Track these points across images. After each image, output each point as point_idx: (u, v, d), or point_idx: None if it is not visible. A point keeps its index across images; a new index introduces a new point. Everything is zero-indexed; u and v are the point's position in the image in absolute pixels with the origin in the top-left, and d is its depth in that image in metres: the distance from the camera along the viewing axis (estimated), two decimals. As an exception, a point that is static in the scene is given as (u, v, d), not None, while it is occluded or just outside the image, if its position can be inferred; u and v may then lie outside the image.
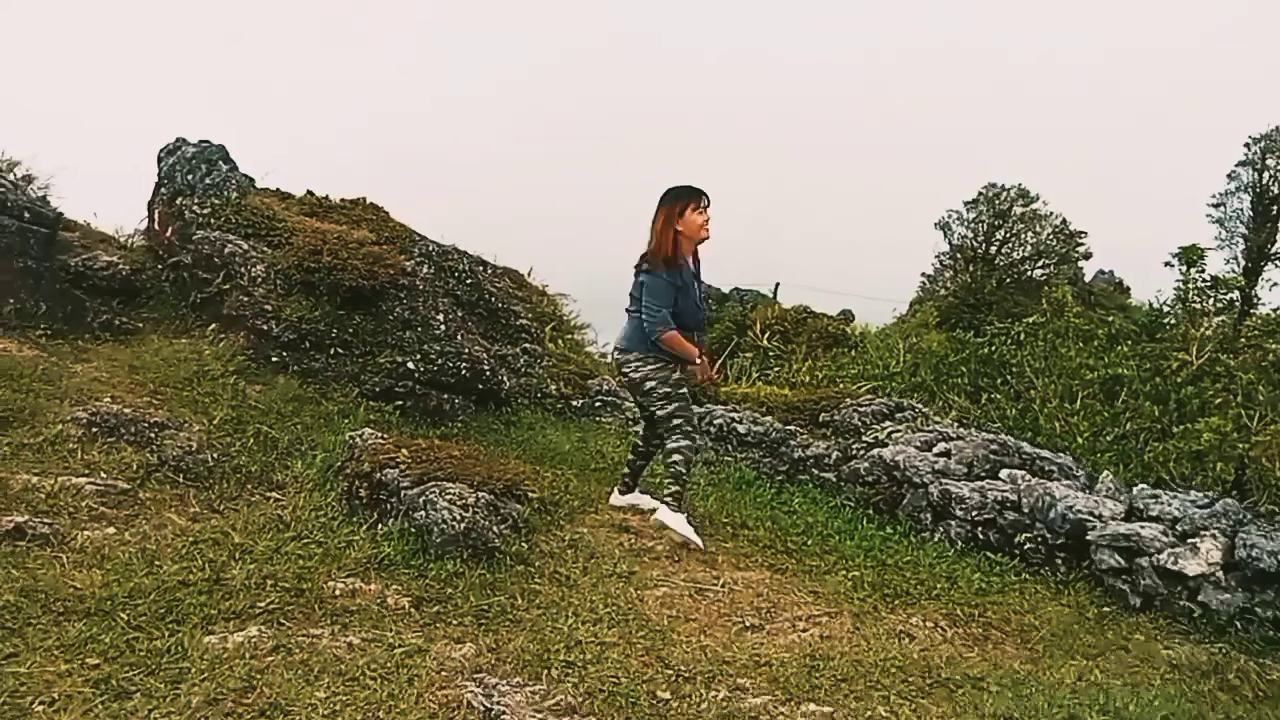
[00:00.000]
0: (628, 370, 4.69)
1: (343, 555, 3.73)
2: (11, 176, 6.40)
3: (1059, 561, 4.46)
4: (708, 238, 4.64)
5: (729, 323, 15.72)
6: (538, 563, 3.98)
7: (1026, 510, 4.69)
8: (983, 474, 5.25)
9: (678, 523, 4.47)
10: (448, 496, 4.00)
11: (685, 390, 4.64)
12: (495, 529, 3.98)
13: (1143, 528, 4.17)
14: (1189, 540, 4.03)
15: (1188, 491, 4.58)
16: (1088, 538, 4.32)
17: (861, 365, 12.23)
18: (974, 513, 4.83)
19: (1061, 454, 5.66)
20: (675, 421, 4.57)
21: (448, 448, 4.69)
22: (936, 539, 4.90)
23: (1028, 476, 4.95)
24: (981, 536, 4.78)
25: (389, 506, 4.13)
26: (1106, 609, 4.09)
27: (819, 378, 11.73)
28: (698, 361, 4.61)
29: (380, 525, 4.04)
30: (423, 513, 3.94)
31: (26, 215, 5.64)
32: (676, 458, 4.55)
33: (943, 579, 4.30)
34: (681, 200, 4.53)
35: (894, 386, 10.70)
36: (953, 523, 4.89)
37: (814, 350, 13.88)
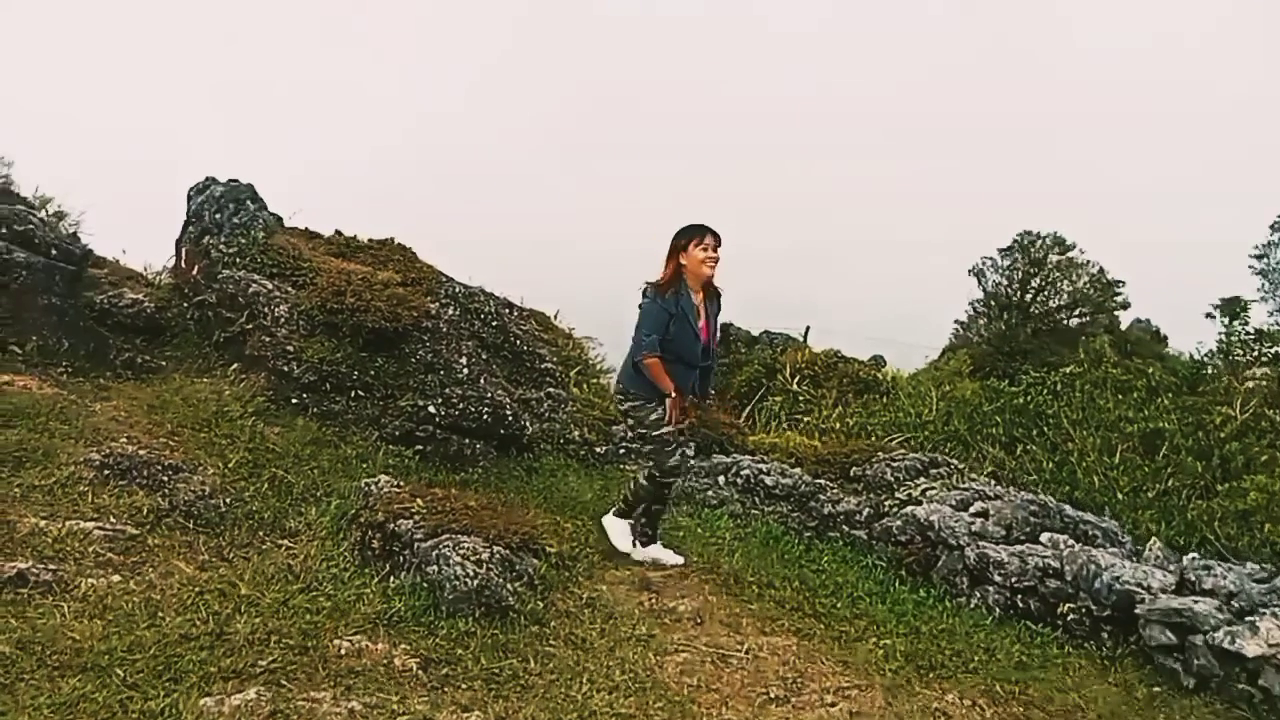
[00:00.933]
0: (619, 405, 5.04)
1: (351, 610, 3.60)
2: (43, 213, 6.44)
3: (1104, 635, 4.19)
4: (711, 274, 4.77)
5: (759, 366, 15.47)
6: (553, 623, 3.81)
7: (1069, 578, 4.44)
8: (1022, 537, 5.00)
9: (612, 526, 4.96)
10: (461, 551, 3.86)
11: (664, 432, 4.73)
12: (509, 586, 3.83)
13: (1196, 602, 3.91)
14: (1247, 618, 3.76)
15: (1243, 564, 4.31)
16: (1136, 611, 4.05)
17: (893, 413, 11.95)
18: (1013, 579, 4.58)
19: (1106, 518, 5.39)
20: (649, 461, 4.86)
21: (464, 497, 4.57)
22: (973, 605, 4.66)
23: (1070, 541, 4.70)
24: (1021, 604, 4.53)
25: (402, 559, 4.00)
26: (1157, 689, 3.82)
27: (850, 425, 11.47)
28: (670, 395, 4.69)
29: (392, 578, 3.91)
30: (435, 567, 3.80)
31: (54, 252, 5.65)
32: (633, 486, 4.94)
33: (980, 650, 4.06)
34: (686, 236, 4.73)
35: (927, 436, 10.42)
36: (990, 588, 4.65)
37: (844, 396, 13.62)
